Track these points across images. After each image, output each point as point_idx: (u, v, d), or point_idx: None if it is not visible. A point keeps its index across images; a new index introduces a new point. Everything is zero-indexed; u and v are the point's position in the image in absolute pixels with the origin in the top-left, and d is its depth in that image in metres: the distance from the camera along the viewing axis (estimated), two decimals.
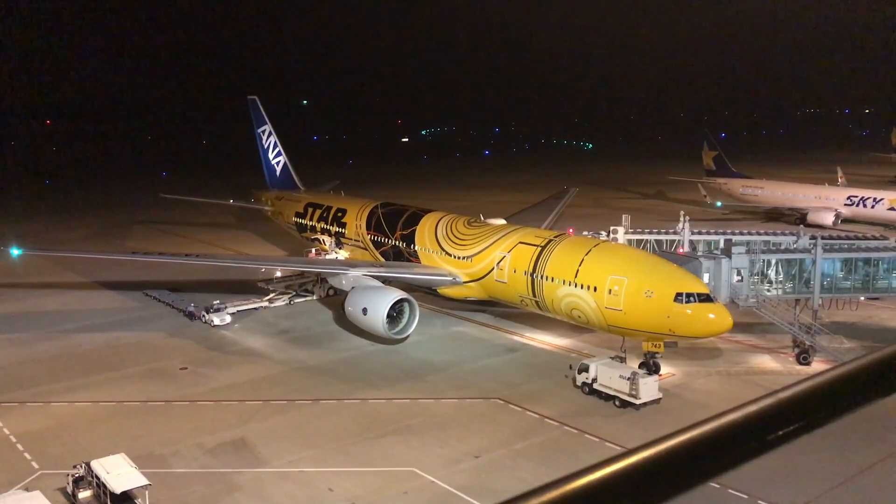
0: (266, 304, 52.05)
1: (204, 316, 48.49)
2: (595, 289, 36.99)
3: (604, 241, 43.33)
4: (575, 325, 40.87)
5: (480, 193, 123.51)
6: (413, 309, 42.28)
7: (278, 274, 53.06)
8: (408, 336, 42.87)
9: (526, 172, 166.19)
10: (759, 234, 47.66)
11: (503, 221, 50.45)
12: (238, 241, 79.83)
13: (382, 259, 53.87)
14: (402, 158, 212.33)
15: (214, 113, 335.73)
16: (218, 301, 49.82)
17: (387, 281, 49.11)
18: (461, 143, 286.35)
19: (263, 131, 74.18)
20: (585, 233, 56.59)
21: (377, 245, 54.55)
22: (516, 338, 45.17)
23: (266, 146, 74.12)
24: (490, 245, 44.90)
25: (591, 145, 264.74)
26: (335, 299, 51.17)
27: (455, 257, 47.17)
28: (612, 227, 55.47)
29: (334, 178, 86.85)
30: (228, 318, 48.41)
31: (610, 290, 36.27)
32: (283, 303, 52.83)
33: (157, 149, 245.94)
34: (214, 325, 47.69)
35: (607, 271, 36.95)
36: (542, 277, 40.22)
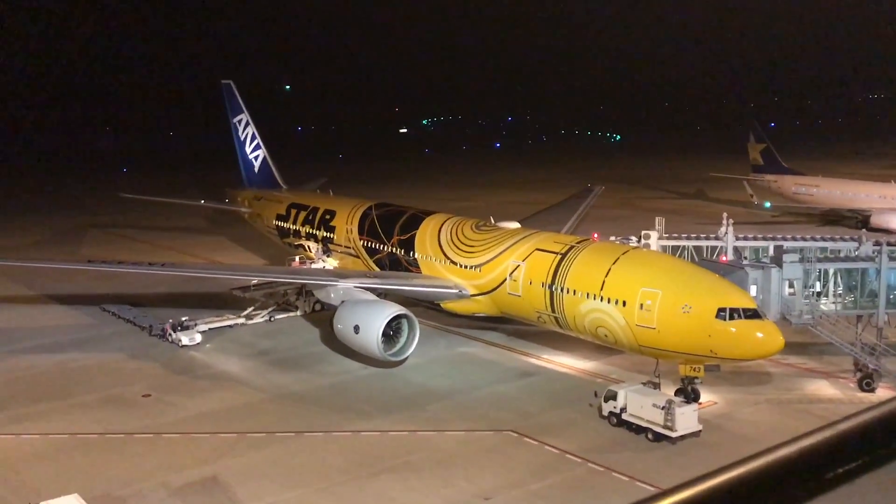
0: (242, 320, 52.12)
1: (170, 334, 48.57)
2: (624, 303, 36.95)
3: (634, 248, 43.18)
4: (601, 345, 40.81)
5: (490, 192, 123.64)
6: (412, 327, 42.28)
7: (255, 281, 53.18)
8: (406, 358, 42.83)
9: (543, 168, 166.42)
10: (814, 239, 47.58)
11: (517, 225, 50.49)
12: (210, 248, 80.00)
13: (377, 268, 53.90)
14: (401, 152, 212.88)
15: (182, 99, 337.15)
16: (187, 317, 49.91)
17: (382, 294, 49.07)
18: (468, 135, 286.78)
19: (239, 121, 74.45)
20: (613, 238, 56.55)
21: (371, 252, 54.61)
22: (532, 360, 45.10)
23: (242, 138, 74.37)
24: (502, 252, 44.92)
25: (618, 137, 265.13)
26: (322, 315, 51.20)
27: (461, 267, 47.20)
28: (643, 232, 55.31)
29: (321, 175, 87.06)
30: (199, 338, 48.47)
31: (641, 305, 36.21)
32: (263, 319, 52.90)
33: (117, 141, 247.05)
34: (182, 345, 47.75)
35: (638, 283, 36.91)
36: (562, 290, 40.20)
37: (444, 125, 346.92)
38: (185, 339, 48.01)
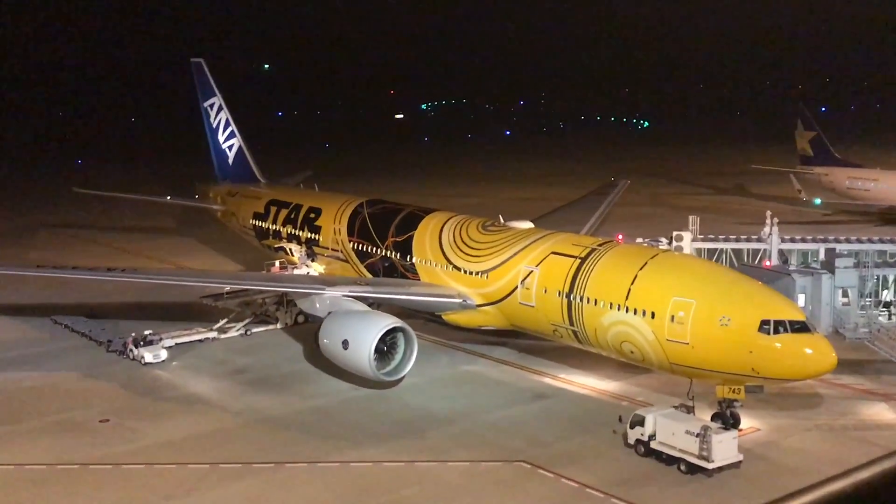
0: (214, 334, 52.16)
1: (132, 350, 48.62)
2: (653, 315, 36.94)
3: (664, 252, 43.12)
4: (626, 363, 40.81)
5: (499, 187, 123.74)
6: (410, 341, 42.29)
7: (228, 289, 53.28)
8: (402, 377, 42.84)
9: (560, 159, 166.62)
10: (871, 241, 47.70)
11: (530, 225, 50.55)
12: (177, 252, 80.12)
13: (369, 275, 53.95)
14: (396, 141, 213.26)
15: (145, 81, 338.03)
16: (150, 331, 49.97)
17: (375, 304, 49.05)
18: (474, 121, 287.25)
19: (211, 105, 74.62)
20: (640, 240, 56.65)
21: (362, 256, 54.68)
22: (547, 380, 45.11)
23: (214, 125, 74.55)
24: (513, 256, 44.95)
25: (646, 124, 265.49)
26: (306, 328, 51.26)
27: (466, 272, 47.24)
28: (675, 233, 55.41)
29: (305, 167, 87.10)
30: (164, 354, 48.53)
31: (673, 317, 36.21)
32: (238, 333, 52.94)
33: (70, 128, 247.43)
34: (146, 363, 47.79)
35: (669, 292, 36.91)
36: (581, 300, 40.21)
37: (446, 110, 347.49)
38: (148, 355, 48.01)
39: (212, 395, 43.75)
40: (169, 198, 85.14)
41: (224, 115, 74.25)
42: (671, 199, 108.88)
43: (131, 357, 48.53)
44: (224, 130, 74.42)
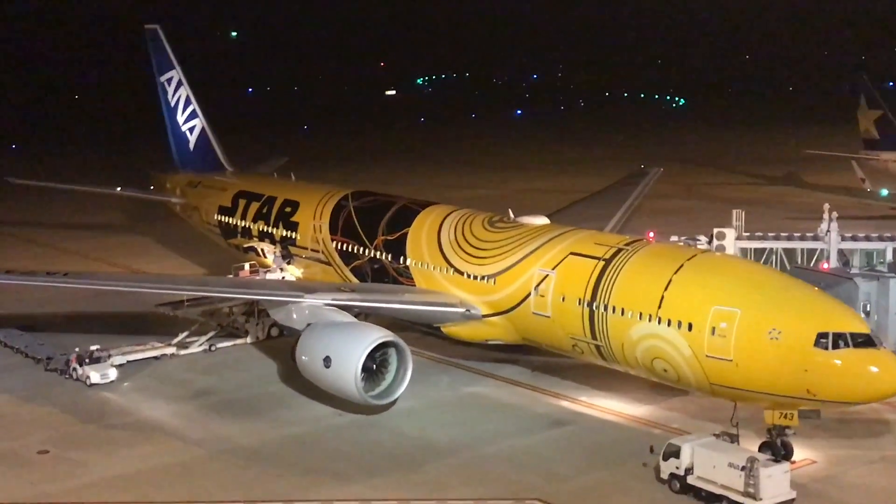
0: (173, 350, 52.14)
1: (76, 369, 48.57)
2: (690, 326, 36.94)
3: (703, 252, 43.14)
4: (658, 382, 40.82)
5: (509, 177, 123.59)
6: (403, 358, 42.27)
7: (189, 295, 53.25)
8: (395, 401, 42.86)
9: (580, 144, 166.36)
10: None
11: (545, 221, 50.42)
12: (129, 252, 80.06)
13: (355, 279, 53.96)
14: (387, 122, 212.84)
15: (92, 51, 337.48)
16: (97, 346, 49.89)
17: (362, 314, 49.03)
18: (478, 99, 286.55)
19: (169, 80, 74.56)
20: (675, 238, 56.65)
21: (347, 258, 54.66)
22: (565, 403, 45.10)
23: (173, 103, 74.48)
24: (524, 258, 44.95)
25: (683, 101, 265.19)
26: (281, 343, 51.22)
27: (469, 277, 47.25)
28: (716, 230, 55.36)
29: (280, 153, 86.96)
30: (114, 373, 48.49)
31: (713, 330, 36.19)
32: (201, 348, 52.93)
33: (1, 107, 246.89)
34: (92, 384, 47.74)
35: (709, 299, 36.90)
36: (606, 309, 40.20)
37: (446, 85, 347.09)
38: (95, 374, 47.93)
39: (170, 422, 43.66)
40: (119, 189, 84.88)
41: (184, 91, 74.11)
42: (711, 190, 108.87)
43: (75, 377, 48.42)
44: (184, 110, 74.31)
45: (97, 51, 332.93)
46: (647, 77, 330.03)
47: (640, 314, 38.70)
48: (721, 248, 53.98)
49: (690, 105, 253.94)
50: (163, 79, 74.92)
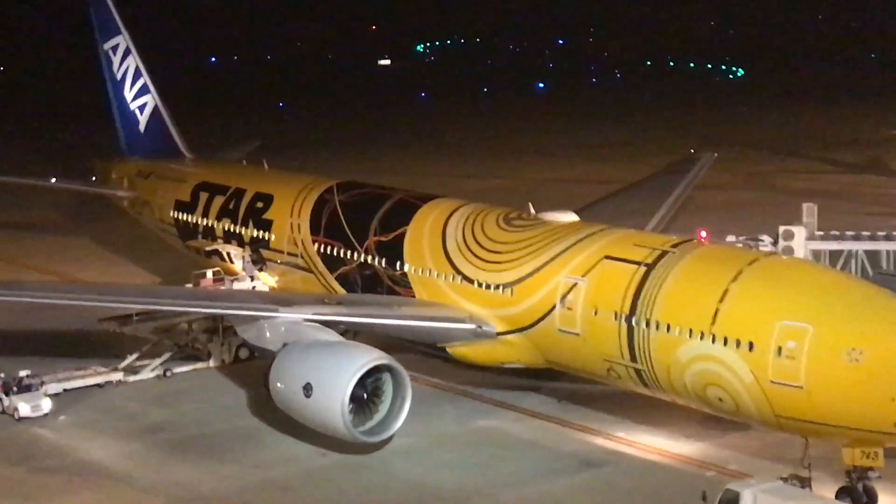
0: (120, 376, 52.04)
1: (1, 400, 48.53)
2: (751, 346, 36.82)
3: (767, 255, 42.93)
4: (712, 414, 40.76)
5: (529, 164, 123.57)
6: (400, 386, 42.11)
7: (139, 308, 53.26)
8: (390, 437, 42.79)
9: (617, 124, 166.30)
10: None
11: (574, 217, 50.40)
12: (65, 257, 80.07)
13: (342, 290, 53.91)
14: (380, 98, 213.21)
15: (21, 12, 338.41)
16: (27, 372, 49.78)
17: (350, 332, 48.95)
18: (490, 69, 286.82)
19: (114, 48, 74.63)
20: (731, 238, 56.47)
21: (332, 263, 54.65)
22: (599, 441, 44.97)
23: (119, 76, 74.56)
24: (548, 262, 44.82)
25: (741, 71, 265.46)
26: (252, 367, 51.21)
27: (481, 286, 47.18)
28: (782, 228, 55.21)
29: (251, 135, 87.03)
30: (48, 405, 48.34)
31: (779, 350, 36.07)
32: (153, 374, 52.85)
33: None
34: (21, 417, 47.62)
35: (774, 313, 36.78)
36: (648, 325, 40.09)
37: (452, 53, 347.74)
38: (24, 406, 47.76)
39: (115, 464, 43.53)
40: (54, 180, 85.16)
41: (133, 61, 74.16)
42: (776, 180, 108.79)
43: (0, 409, 48.37)
44: (133, 84, 74.40)
45: (26, 13, 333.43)
46: (698, 42, 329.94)
47: (690, 331, 38.55)
48: (789, 251, 53.91)
49: (750, 76, 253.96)
50: (107, 46, 74.93)
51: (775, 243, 54.75)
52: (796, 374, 35.63)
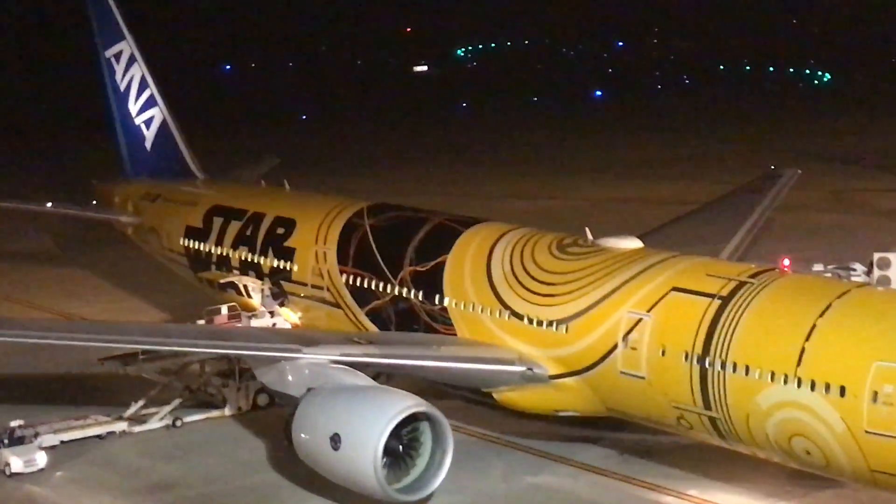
0: (123, 426, 52.17)
1: None
2: (842, 391, 36.55)
3: (860, 287, 42.65)
4: (798, 468, 40.44)
5: (585, 182, 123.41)
6: (441, 437, 41.97)
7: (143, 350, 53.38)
8: (429, 496, 42.63)
9: (685, 137, 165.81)
10: None
11: (638, 244, 50.23)
12: (63, 291, 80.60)
13: (373, 327, 53.92)
14: (416, 109, 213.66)
15: (17, 17, 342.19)
16: (20, 422, 49.97)
17: (383, 375, 48.92)
18: (540, 75, 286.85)
19: (117, 55, 75.16)
20: (818, 267, 56.04)
21: (362, 297, 54.72)
22: (668, 499, 44.67)
23: (123, 87, 75.06)
24: (608, 295, 44.72)
25: (828, 76, 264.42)
26: (272, 415, 51.34)
27: (532, 323, 47.14)
28: (877, 255, 54.68)
29: (270, 152, 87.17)
30: (43, 459, 48.45)
31: (875, 395, 35.78)
32: (161, 423, 52.96)
33: None
34: (13, 474, 47.68)
35: (869, 353, 36.50)
36: (724, 366, 39.87)
37: (495, 58, 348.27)
38: (16, 461, 47.81)
39: None
40: (50, 204, 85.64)
41: (138, 70, 74.64)
42: (871, 199, 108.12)
43: None
44: (138, 95, 74.84)
45: (24, 17, 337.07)
46: (777, 44, 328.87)
47: (772, 374, 38.34)
48: (885, 281, 53.48)
49: (838, 82, 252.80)
50: (108, 53, 75.40)
51: (869, 272, 54.31)
52: (895, 424, 35.38)
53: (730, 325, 40.17)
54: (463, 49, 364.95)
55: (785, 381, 37.94)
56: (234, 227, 62.50)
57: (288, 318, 57.76)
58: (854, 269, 55.00)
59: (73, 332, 56.82)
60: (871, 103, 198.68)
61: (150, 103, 74.43)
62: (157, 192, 70.65)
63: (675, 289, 42.87)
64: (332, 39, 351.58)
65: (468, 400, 50.70)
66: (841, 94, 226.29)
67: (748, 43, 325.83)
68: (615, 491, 45.63)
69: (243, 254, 61.13)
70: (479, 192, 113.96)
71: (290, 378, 46.52)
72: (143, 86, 74.37)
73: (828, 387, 36.83)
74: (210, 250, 63.46)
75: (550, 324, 46.20)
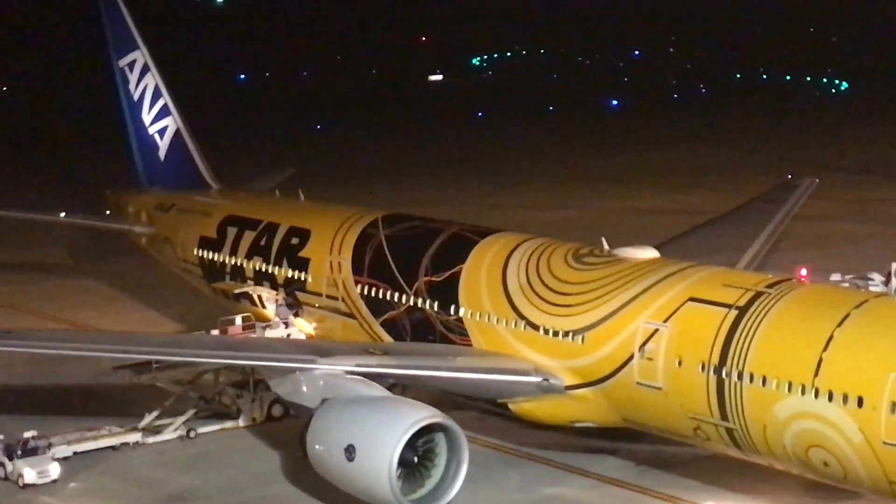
0: (137, 437, 52.23)
1: (4, 465, 48.85)
2: (860, 402, 36.48)
3: (878, 297, 42.59)
4: (816, 479, 40.36)
5: (602, 193, 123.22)
6: (456, 448, 41.96)
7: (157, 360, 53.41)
8: None
9: (702, 147, 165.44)
10: None
11: (654, 254, 50.22)
12: (76, 302, 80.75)
13: (388, 338, 53.98)
14: (431, 118, 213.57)
15: (29, 25, 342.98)
16: (33, 433, 50.04)
17: (398, 386, 48.94)
18: (556, 85, 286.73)
19: (131, 64, 75.27)
20: (836, 277, 55.93)
21: (377, 307, 54.75)
22: None
23: (137, 96, 75.17)
24: (625, 306, 44.71)
25: (845, 85, 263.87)
26: (286, 426, 51.43)
27: (548, 333, 47.13)
28: (895, 265, 54.62)
29: (284, 162, 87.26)
30: (56, 470, 48.51)
31: (894, 405, 35.66)
32: (175, 434, 53.01)
33: None
34: (26, 484, 47.79)
35: (887, 364, 36.45)
36: (741, 377, 39.83)
37: (512, 67, 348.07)
38: (29, 472, 47.88)
39: None
40: (63, 214, 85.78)
41: (152, 79, 74.78)
42: (888, 209, 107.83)
43: (3, 475, 48.60)
44: (152, 105, 74.95)
45: (36, 24, 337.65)
46: (794, 52, 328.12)
47: (790, 385, 38.28)
48: None
49: (856, 90, 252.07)
50: (122, 63, 75.54)
51: (887, 283, 54.22)
52: None
53: (747, 335, 40.14)
54: (478, 58, 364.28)
55: (802, 392, 37.87)
56: (249, 237, 62.61)
57: (302, 328, 57.86)
58: (872, 280, 54.90)
59: (87, 342, 56.86)
60: (890, 112, 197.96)
61: (163, 113, 74.54)
62: (171, 202, 70.78)
63: (692, 299, 42.85)
64: (347, 49, 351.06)
65: (484, 411, 50.72)
66: (859, 102, 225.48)
67: (765, 52, 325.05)
68: (632, 503, 45.60)
69: (258, 264, 61.23)
70: (495, 201, 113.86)
71: (304, 389, 46.56)
72: (156, 95, 74.49)
73: (845, 397, 36.76)
74: (224, 260, 63.56)
75: (566, 334, 46.19)
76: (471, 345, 50.18)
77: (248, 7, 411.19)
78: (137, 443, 52.11)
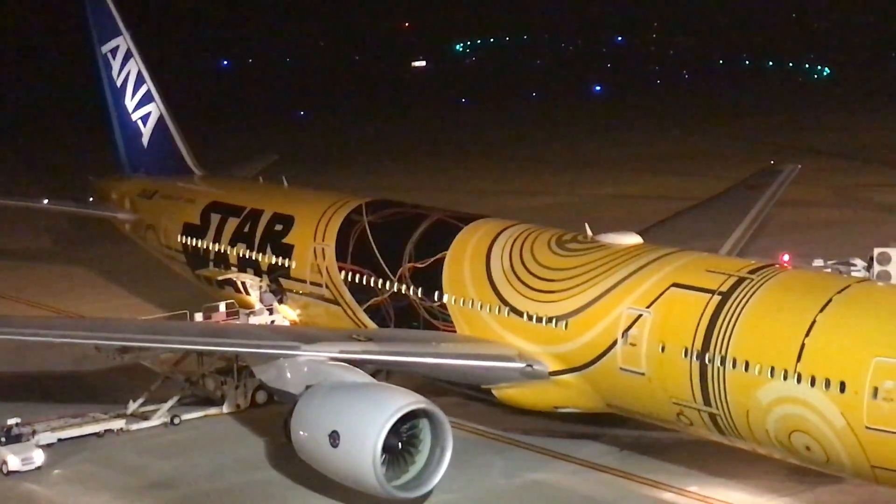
0: (121, 423, 52.19)
1: None
2: (842, 387, 36.57)
3: (860, 282, 42.65)
4: (798, 464, 40.50)
5: (585, 178, 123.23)
6: (440, 434, 41.95)
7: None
8: (429, 493, 42.66)
9: (685, 132, 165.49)
10: None
11: (637, 239, 50.27)
12: (59, 289, 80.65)
13: (372, 324, 54.01)
14: (413, 105, 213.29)
15: (12, 12, 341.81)
16: (17, 419, 50.00)
17: (382, 372, 48.99)
18: (539, 70, 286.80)
19: (114, 51, 75.08)
20: (818, 263, 56.09)
21: (361, 294, 54.78)
22: (667, 496, 44.63)
23: (120, 82, 74.99)
24: (608, 292, 44.78)
25: (827, 71, 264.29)
26: (270, 412, 51.40)
27: (531, 319, 47.17)
28: (877, 251, 54.74)
29: (268, 148, 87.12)
30: (40, 457, 48.48)
31: (875, 391, 35.78)
32: (159, 421, 52.99)
33: None
34: (10, 472, 47.71)
35: (869, 349, 36.50)
36: (723, 362, 39.89)
37: (494, 53, 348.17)
38: (13, 459, 47.80)
39: None
40: (46, 201, 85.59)
41: (135, 65, 74.59)
42: (871, 195, 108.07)
43: None
44: (135, 91, 74.80)
45: (18, 11, 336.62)
46: (777, 38, 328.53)
47: (772, 370, 38.36)
48: (885, 276, 53.52)
49: (839, 76, 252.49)
50: (104, 49, 75.31)
51: (869, 268, 54.34)
52: (895, 419, 35.41)
53: (729, 320, 40.23)
54: (461, 44, 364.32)
55: (785, 377, 37.97)
56: (232, 223, 62.57)
57: (286, 315, 57.85)
58: (854, 265, 55.04)
59: (71, 329, 56.88)
60: (872, 97, 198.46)
61: (146, 99, 74.41)
62: (155, 189, 70.70)
63: (675, 285, 42.93)
64: (330, 35, 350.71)
65: (467, 397, 50.78)
66: (841, 88, 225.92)
67: (747, 37, 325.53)
68: (615, 487, 45.66)
69: (241, 251, 61.21)
70: (479, 187, 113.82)
71: (288, 375, 46.55)
72: (139, 81, 74.34)
73: (828, 382, 36.86)
74: (208, 247, 63.51)
75: (550, 320, 46.25)
76: (455, 331, 50.21)
77: None
78: (121, 429, 52.03)
